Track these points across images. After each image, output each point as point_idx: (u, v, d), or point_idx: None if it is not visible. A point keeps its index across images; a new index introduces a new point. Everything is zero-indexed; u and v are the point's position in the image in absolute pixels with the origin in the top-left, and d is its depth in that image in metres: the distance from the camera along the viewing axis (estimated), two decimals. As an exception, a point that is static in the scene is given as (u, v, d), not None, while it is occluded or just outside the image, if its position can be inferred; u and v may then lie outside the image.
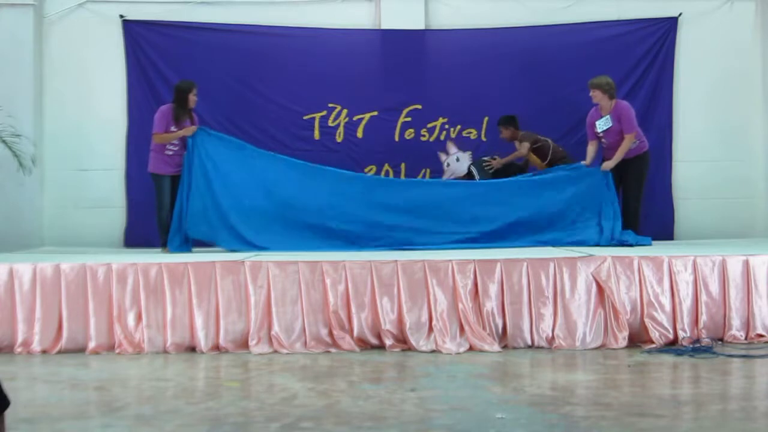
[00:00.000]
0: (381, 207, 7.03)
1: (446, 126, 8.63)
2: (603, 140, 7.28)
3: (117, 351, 5.46)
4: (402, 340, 5.52)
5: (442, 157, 8.45)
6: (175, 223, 6.97)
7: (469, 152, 8.28)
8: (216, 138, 7.18)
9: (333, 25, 8.66)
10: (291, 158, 7.38)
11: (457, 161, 8.35)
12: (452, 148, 8.35)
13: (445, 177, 8.34)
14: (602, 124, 7.21)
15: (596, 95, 7.22)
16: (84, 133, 8.49)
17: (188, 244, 7.02)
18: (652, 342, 5.49)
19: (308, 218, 6.95)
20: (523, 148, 7.90)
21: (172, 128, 7.09)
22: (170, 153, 7.13)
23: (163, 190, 7.17)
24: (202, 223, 6.95)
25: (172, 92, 7.62)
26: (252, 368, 5.02)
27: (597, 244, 6.92)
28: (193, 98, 7.18)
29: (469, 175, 8.02)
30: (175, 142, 7.11)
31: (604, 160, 7.29)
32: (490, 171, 7.91)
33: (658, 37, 8.72)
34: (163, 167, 7.17)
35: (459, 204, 7.14)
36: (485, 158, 8.05)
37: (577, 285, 5.60)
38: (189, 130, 7.07)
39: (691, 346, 5.37)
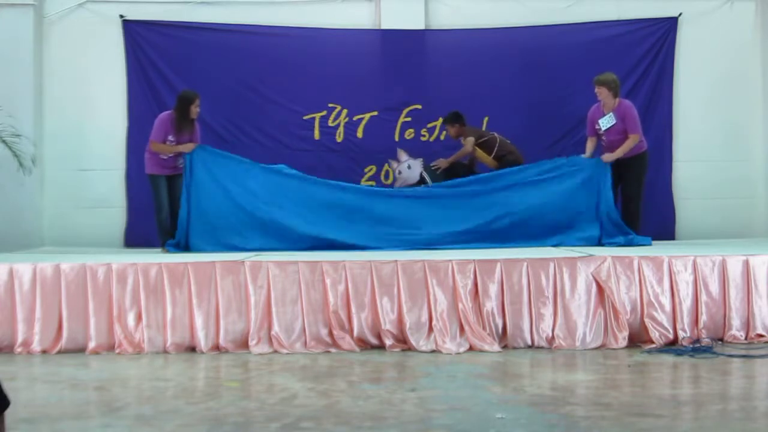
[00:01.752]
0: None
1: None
2: (603, 138, 7.26)
3: (117, 351, 5.46)
4: (402, 340, 5.52)
5: (393, 164, 8.26)
6: (181, 235, 6.95)
7: (421, 159, 8.10)
8: (214, 154, 7.15)
9: (333, 25, 8.67)
10: (286, 170, 7.29)
11: (408, 169, 8.11)
12: (403, 156, 8.12)
13: (396, 185, 8.13)
14: (606, 122, 7.18)
15: (602, 92, 7.20)
16: (84, 133, 8.50)
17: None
18: (652, 342, 5.48)
19: (303, 227, 6.95)
20: (468, 143, 7.82)
21: (170, 137, 7.08)
22: (164, 157, 7.14)
23: (160, 191, 7.19)
24: (205, 239, 6.95)
25: (173, 92, 7.64)
26: (252, 368, 5.02)
27: (599, 240, 6.93)
28: (195, 110, 7.15)
29: (421, 182, 7.88)
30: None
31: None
32: (438, 173, 7.84)
33: (658, 37, 8.73)
34: (158, 168, 7.19)
35: (450, 205, 7.13)
36: (433, 163, 7.98)
37: (577, 285, 5.60)
38: (187, 147, 7.05)
39: (691, 346, 5.37)
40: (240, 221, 6.98)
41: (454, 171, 7.83)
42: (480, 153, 7.83)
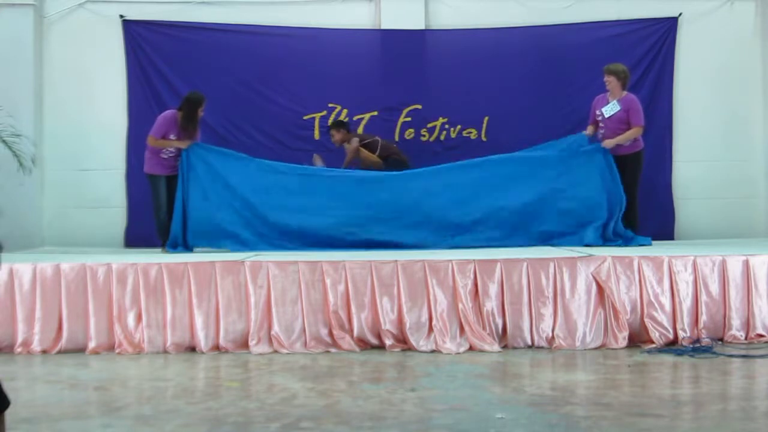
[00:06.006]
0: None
1: (446, 126, 8.64)
2: (601, 126, 7.26)
3: (117, 351, 5.46)
4: (402, 340, 5.52)
5: None
6: (176, 232, 6.95)
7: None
8: (209, 149, 7.19)
9: (333, 25, 8.67)
10: (282, 164, 7.34)
11: None
12: (318, 162, 8.07)
13: None
14: (609, 110, 7.18)
15: (610, 81, 7.23)
16: (84, 133, 8.50)
17: (188, 249, 7.01)
18: (652, 342, 5.48)
19: (305, 219, 6.97)
20: (353, 143, 7.91)
21: (172, 136, 7.08)
22: (165, 156, 7.14)
23: (159, 191, 7.18)
24: (203, 233, 6.97)
25: (173, 92, 7.66)
26: (252, 368, 5.03)
27: (603, 221, 6.94)
28: (201, 113, 7.19)
29: None
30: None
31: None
32: None
33: (658, 37, 8.73)
34: (158, 168, 7.18)
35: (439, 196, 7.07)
36: None
37: (577, 285, 5.60)
38: (183, 143, 7.06)
39: (691, 346, 5.37)
40: (239, 217, 6.98)
41: None
42: (364, 153, 7.89)
